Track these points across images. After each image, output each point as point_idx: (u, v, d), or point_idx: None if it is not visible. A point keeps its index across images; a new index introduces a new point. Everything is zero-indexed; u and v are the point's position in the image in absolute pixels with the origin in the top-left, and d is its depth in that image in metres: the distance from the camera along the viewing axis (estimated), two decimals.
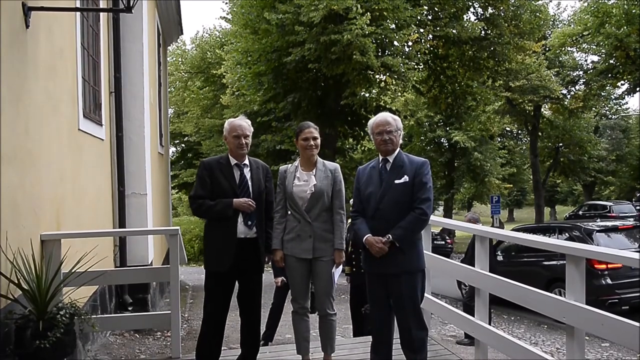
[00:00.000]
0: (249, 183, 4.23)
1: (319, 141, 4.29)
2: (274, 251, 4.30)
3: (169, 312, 5.00)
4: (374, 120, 4.01)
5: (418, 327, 3.83)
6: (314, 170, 4.28)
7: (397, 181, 3.80)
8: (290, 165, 4.43)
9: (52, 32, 4.66)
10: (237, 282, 4.29)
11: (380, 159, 3.97)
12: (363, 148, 23.58)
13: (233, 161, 4.24)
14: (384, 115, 3.99)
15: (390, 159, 3.91)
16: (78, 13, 5.47)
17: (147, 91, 8.00)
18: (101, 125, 6.55)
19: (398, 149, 3.95)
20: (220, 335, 4.29)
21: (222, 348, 4.36)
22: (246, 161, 4.29)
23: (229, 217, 4.09)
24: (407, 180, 3.78)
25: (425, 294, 5.55)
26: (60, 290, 3.93)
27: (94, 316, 4.64)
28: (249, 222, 4.15)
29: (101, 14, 6.72)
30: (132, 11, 4.61)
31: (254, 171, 4.30)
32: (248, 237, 4.16)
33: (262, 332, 6.81)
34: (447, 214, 34.32)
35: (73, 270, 3.97)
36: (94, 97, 6.35)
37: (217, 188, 4.15)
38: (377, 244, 3.74)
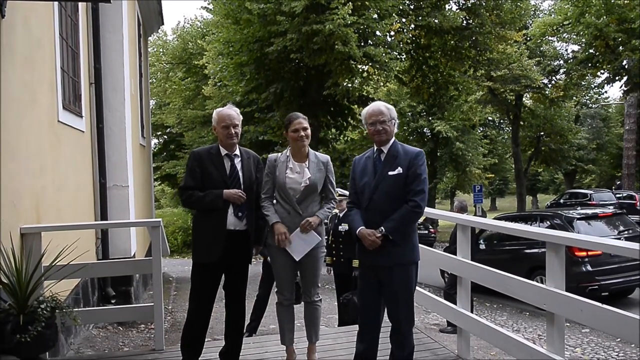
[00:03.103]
0: (240, 174, 4.15)
1: (309, 131, 4.22)
2: (274, 225, 4.15)
3: (152, 304, 4.98)
4: (367, 110, 3.90)
5: (407, 320, 3.81)
6: (306, 162, 4.22)
7: (390, 172, 3.73)
8: (280, 154, 4.34)
9: (28, 22, 4.58)
10: (223, 274, 4.24)
11: (375, 149, 3.90)
12: (346, 138, 23.56)
13: (223, 151, 4.14)
14: (377, 105, 3.88)
15: (385, 149, 3.82)
16: (56, 3, 5.37)
17: (127, 82, 7.91)
18: (81, 116, 6.47)
19: (393, 138, 3.87)
20: (205, 326, 4.26)
21: (207, 339, 4.35)
22: (237, 151, 4.20)
23: (219, 208, 4.03)
24: (401, 171, 3.71)
25: None
26: (41, 284, 3.89)
27: (76, 309, 4.61)
28: (240, 214, 4.08)
29: (80, 3, 6.62)
30: (111, 1, 4.55)
31: (244, 161, 4.21)
32: (238, 229, 4.09)
33: (246, 323, 6.85)
34: (430, 203, 34.54)
35: (54, 264, 3.93)
36: (73, 88, 6.27)
37: (207, 179, 4.07)
38: (369, 237, 3.69)
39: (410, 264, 3.79)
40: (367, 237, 3.70)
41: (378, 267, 3.78)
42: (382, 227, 3.67)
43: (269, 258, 6.45)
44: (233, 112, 4.16)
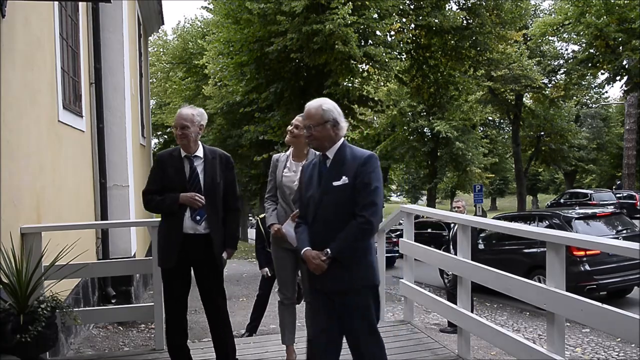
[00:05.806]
0: (200, 176, 3.99)
1: (302, 131, 4.19)
2: (271, 226, 4.24)
3: (152, 304, 4.98)
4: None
5: (375, 347, 3.24)
6: (304, 162, 4.20)
7: (335, 183, 3.17)
8: (282, 153, 4.38)
9: (29, 21, 4.58)
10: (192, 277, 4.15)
11: (320, 154, 3.37)
12: (346, 138, 23.42)
13: (184, 153, 4.03)
14: (307, 107, 3.42)
15: (330, 154, 3.28)
16: (56, 2, 5.37)
17: (128, 82, 7.91)
18: (81, 116, 6.47)
19: (340, 141, 3.32)
20: (181, 327, 4.16)
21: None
22: (199, 152, 4.04)
23: (175, 212, 3.94)
24: (347, 181, 3.15)
25: (409, 283, 5.61)
26: (41, 284, 3.89)
27: (77, 309, 4.61)
28: (197, 217, 3.95)
29: (80, 3, 6.61)
30: (111, 1, 4.55)
31: (208, 163, 4.03)
32: (197, 232, 3.95)
33: (247, 323, 6.86)
34: (431, 202, 34.54)
35: (54, 263, 3.93)
36: (73, 88, 6.27)
37: (167, 182, 3.98)
38: (314, 260, 3.14)
39: (366, 288, 3.21)
40: (311, 261, 3.16)
41: (330, 293, 3.23)
42: (327, 249, 3.12)
43: (267, 272, 6.51)
44: (186, 111, 4.01)
